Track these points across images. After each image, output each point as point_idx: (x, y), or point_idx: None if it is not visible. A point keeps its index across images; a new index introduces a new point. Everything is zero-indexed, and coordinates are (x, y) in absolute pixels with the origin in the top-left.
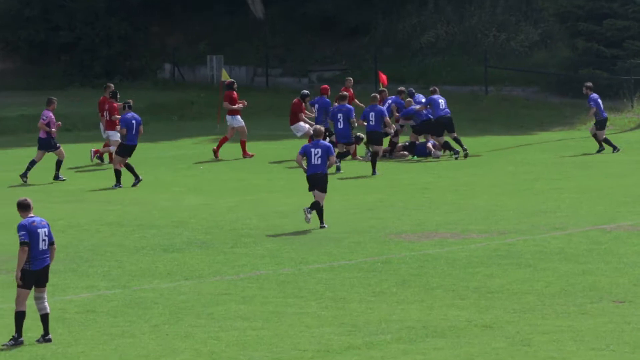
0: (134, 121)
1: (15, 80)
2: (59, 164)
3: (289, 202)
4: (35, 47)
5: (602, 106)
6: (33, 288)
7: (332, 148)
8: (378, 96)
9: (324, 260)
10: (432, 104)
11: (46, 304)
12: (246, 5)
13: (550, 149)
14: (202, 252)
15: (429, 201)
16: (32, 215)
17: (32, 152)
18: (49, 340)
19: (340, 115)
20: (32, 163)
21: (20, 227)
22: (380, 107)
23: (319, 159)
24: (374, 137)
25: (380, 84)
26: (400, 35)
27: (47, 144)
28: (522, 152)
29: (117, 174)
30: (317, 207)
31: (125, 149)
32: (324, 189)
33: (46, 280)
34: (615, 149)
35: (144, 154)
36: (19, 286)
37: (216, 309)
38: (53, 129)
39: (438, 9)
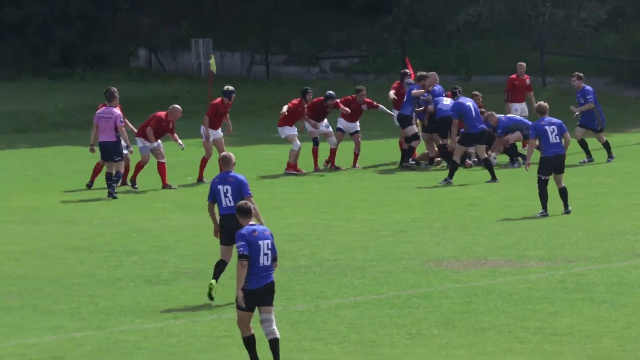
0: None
1: None
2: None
3: (299, 222)
4: None
5: None
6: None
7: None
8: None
9: (346, 295)
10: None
11: (274, 327)
12: None
13: (627, 155)
14: (195, 284)
15: (475, 221)
16: (253, 222)
17: None
18: None
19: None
20: (110, 176)
21: (239, 237)
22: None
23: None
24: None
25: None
26: (431, 13)
27: (117, 150)
28: None
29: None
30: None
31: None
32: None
33: (271, 299)
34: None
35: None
36: (237, 307)
37: (214, 355)
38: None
39: None
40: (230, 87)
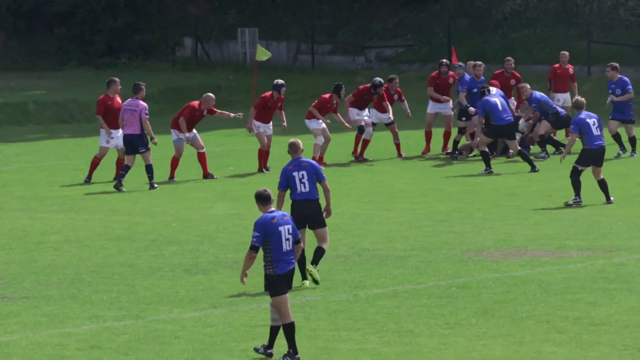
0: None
1: None
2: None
3: (340, 211)
4: (22, 18)
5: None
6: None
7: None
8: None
9: (385, 284)
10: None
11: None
12: None
13: None
14: (234, 273)
15: (516, 210)
16: (272, 209)
17: (21, 148)
18: (270, 355)
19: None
20: (127, 169)
21: (257, 226)
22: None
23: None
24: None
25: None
26: (479, 2)
27: (142, 143)
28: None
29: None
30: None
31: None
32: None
33: (291, 285)
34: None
35: (159, 151)
36: (272, 295)
37: (252, 344)
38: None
39: None
40: (280, 81)
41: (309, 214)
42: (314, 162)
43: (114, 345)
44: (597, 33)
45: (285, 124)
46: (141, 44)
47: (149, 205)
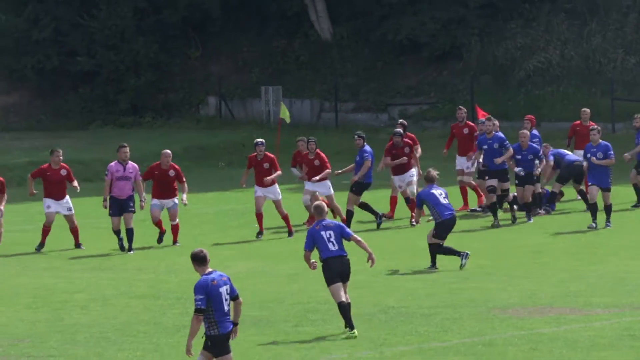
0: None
1: (22, 118)
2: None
3: (365, 269)
4: (47, 77)
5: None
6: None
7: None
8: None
9: (411, 342)
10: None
11: None
12: (309, 24)
13: None
14: (259, 331)
15: (541, 268)
16: (209, 270)
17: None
18: None
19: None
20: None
21: (198, 289)
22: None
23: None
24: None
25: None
26: (502, 60)
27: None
28: None
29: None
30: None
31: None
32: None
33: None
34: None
35: (182, 208)
36: (218, 355)
37: None
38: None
39: (550, 27)
40: (258, 140)
41: (341, 269)
42: (338, 222)
43: None
44: (621, 90)
45: (268, 181)
46: (165, 102)
47: (173, 264)
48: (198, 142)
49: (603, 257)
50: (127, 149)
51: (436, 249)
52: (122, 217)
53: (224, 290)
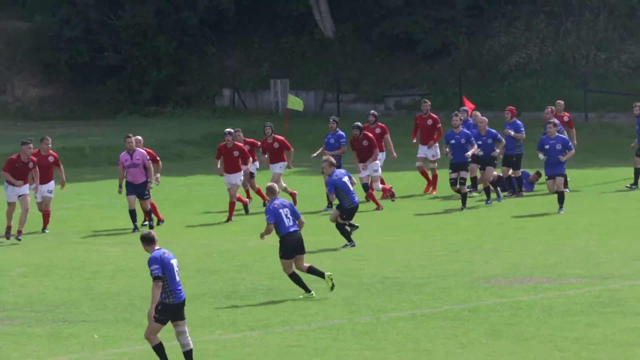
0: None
1: (56, 108)
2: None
3: (365, 244)
4: (78, 71)
5: None
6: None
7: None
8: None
9: (404, 308)
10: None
11: (189, 339)
12: (313, 23)
13: None
14: (269, 299)
15: (521, 242)
16: (158, 248)
17: (80, 187)
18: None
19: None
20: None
21: (152, 261)
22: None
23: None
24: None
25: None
26: (487, 56)
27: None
28: None
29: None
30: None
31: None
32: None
33: (184, 313)
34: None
35: (200, 190)
36: (154, 320)
37: None
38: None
39: (530, 26)
40: (227, 130)
41: (294, 244)
42: (289, 202)
43: None
44: (593, 83)
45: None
46: (184, 94)
47: (193, 239)
48: (214, 129)
49: (576, 232)
50: (132, 139)
51: (342, 228)
52: (137, 199)
53: (174, 262)
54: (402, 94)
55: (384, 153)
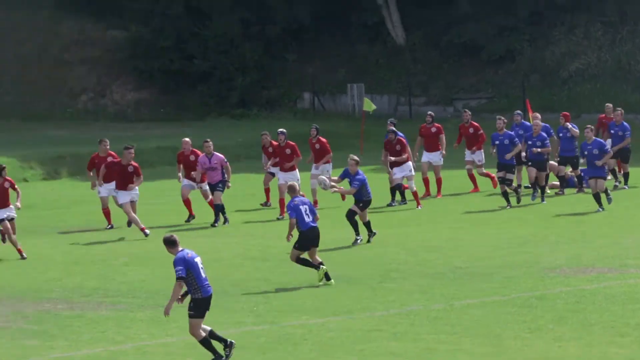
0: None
1: (151, 111)
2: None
3: (438, 237)
4: (171, 77)
5: None
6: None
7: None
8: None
9: (476, 296)
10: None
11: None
12: (386, 32)
13: None
14: (350, 287)
15: (583, 235)
16: (181, 249)
17: (170, 184)
18: (232, 344)
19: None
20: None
21: (177, 262)
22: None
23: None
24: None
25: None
26: (548, 61)
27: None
28: None
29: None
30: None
31: None
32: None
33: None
34: None
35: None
36: (192, 317)
37: (367, 345)
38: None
39: (588, 34)
40: (279, 129)
41: (312, 238)
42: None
43: (254, 346)
44: None
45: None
46: (268, 98)
47: (279, 230)
48: (296, 130)
49: (634, 226)
50: (210, 144)
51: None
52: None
53: (198, 260)
54: (469, 97)
55: (436, 153)
